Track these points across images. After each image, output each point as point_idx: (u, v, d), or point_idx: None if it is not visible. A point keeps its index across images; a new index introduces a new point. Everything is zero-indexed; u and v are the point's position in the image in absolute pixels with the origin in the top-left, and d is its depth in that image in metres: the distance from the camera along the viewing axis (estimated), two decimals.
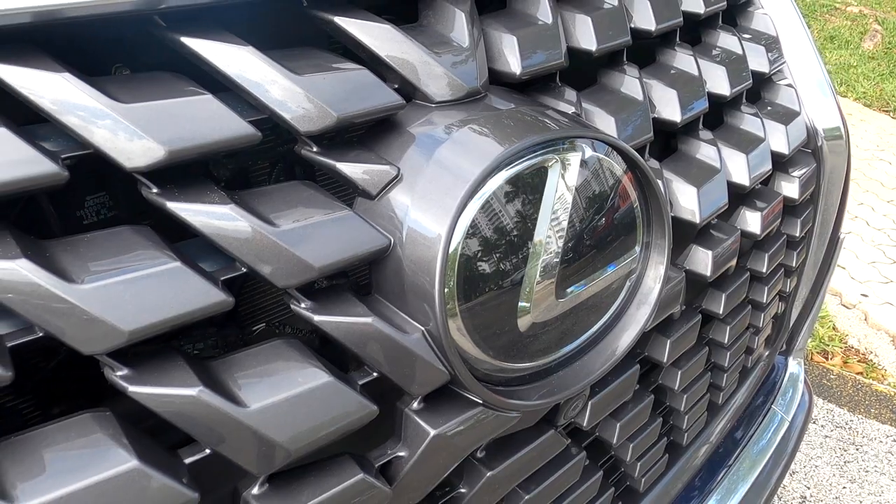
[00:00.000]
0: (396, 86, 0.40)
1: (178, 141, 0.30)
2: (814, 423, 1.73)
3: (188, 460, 0.31)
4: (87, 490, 0.28)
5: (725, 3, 0.67)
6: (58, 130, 0.29)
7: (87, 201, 0.44)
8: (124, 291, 0.29)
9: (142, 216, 0.34)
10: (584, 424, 0.49)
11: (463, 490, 0.42)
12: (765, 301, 0.71)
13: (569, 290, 0.42)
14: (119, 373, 0.29)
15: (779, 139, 0.63)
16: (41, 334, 0.28)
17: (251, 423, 0.31)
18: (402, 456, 0.37)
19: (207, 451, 0.31)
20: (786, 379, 1.04)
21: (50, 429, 0.29)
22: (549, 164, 0.41)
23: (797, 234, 0.70)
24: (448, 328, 0.36)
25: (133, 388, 0.29)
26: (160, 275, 0.30)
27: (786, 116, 0.65)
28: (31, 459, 0.28)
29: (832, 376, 1.91)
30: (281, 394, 0.32)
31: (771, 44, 0.69)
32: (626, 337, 0.45)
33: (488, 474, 0.42)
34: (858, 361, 2.00)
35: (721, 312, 0.61)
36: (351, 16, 0.39)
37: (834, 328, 2.13)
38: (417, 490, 0.38)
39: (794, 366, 1.06)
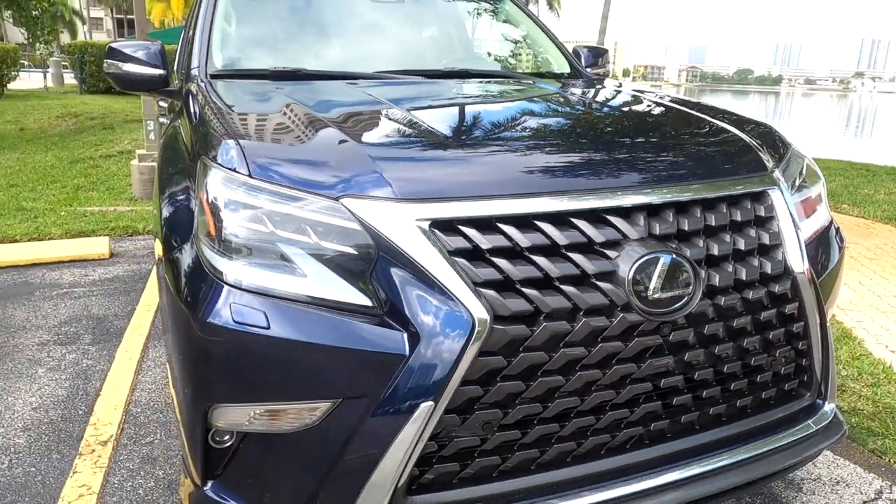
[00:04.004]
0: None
1: None
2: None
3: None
4: None
5: (754, 216, 1.73)
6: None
7: None
8: None
9: None
10: (670, 339, 1.54)
11: (630, 342, 1.50)
12: (770, 337, 1.69)
13: (664, 288, 1.50)
14: None
15: (768, 268, 1.66)
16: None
17: None
18: (612, 320, 1.47)
19: None
20: (822, 410, 1.89)
21: None
22: (661, 255, 1.51)
23: (786, 311, 1.69)
24: (630, 291, 1.47)
25: None
26: None
27: (775, 262, 1.68)
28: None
29: None
30: None
31: (775, 234, 1.73)
32: (688, 308, 1.51)
33: (637, 339, 1.50)
34: None
35: (735, 326, 1.62)
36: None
37: None
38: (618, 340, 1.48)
39: (829, 405, 1.91)
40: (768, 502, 2.35)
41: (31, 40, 15.46)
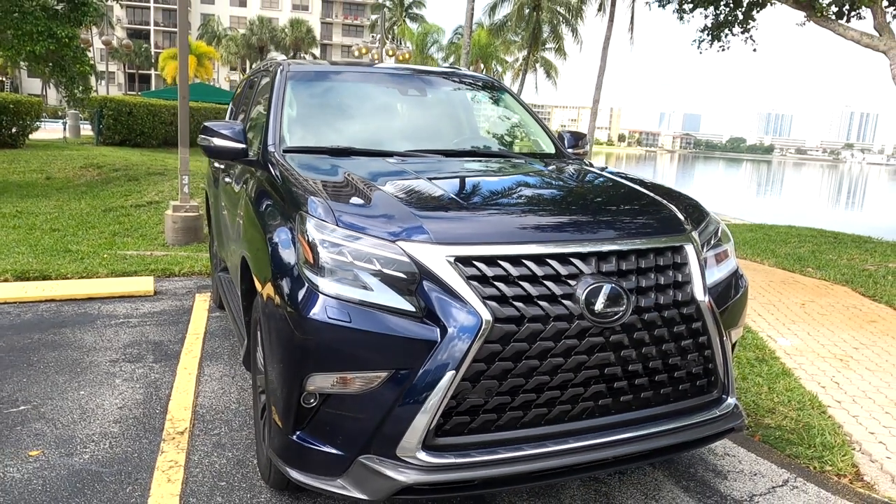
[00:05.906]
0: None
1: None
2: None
3: None
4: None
5: (673, 261, 2.52)
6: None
7: None
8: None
9: None
10: (610, 340, 2.30)
11: (583, 340, 2.26)
12: (682, 345, 2.45)
13: (606, 305, 2.27)
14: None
15: (679, 297, 2.44)
16: None
17: None
18: (571, 325, 2.24)
19: None
20: (726, 402, 2.64)
21: None
22: (605, 284, 2.30)
23: (693, 327, 2.46)
24: (583, 307, 2.25)
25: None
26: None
27: (685, 293, 2.46)
28: None
29: (839, 485, 3.20)
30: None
31: (687, 274, 2.52)
32: (622, 320, 2.28)
33: (588, 338, 2.26)
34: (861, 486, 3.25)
35: (656, 335, 2.38)
36: None
37: (857, 473, 3.39)
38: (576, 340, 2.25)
39: (731, 399, 2.66)
40: (700, 485, 3.07)
41: (67, 98, 16.46)
